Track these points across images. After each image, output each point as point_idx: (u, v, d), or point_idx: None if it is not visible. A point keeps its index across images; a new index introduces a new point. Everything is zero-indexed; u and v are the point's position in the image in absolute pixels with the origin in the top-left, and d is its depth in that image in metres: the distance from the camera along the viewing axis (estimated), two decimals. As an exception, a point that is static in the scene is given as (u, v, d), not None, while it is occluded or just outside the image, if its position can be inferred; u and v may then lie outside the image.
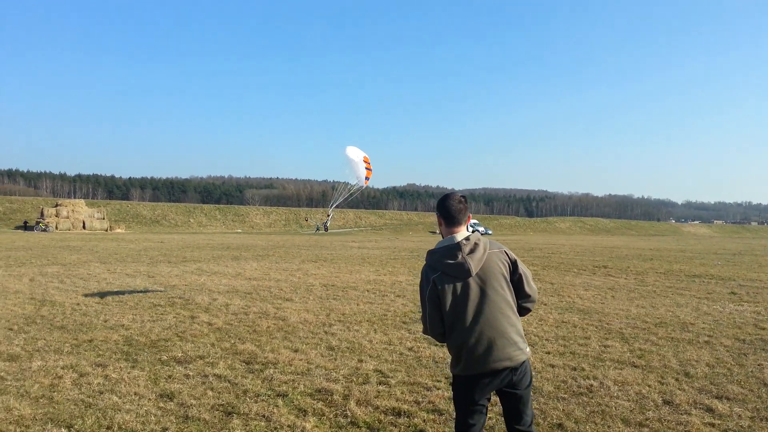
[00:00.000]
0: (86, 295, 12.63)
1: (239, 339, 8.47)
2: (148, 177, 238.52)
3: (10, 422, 4.82)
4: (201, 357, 7.29)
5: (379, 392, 5.94)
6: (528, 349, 3.50)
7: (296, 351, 7.76)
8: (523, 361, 3.45)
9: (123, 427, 4.77)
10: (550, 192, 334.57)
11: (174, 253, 27.81)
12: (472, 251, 3.38)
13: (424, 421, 5.13)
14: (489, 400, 3.53)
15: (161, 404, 5.40)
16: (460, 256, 3.35)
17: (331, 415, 5.21)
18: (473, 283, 3.36)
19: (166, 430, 4.74)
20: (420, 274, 3.51)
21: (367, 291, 14.54)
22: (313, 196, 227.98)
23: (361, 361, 7.31)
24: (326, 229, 12.61)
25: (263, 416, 5.13)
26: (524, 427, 3.52)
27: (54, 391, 5.71)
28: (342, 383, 6.25)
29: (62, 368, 6.57)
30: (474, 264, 3.35)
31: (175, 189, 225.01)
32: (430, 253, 3.49)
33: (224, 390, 5.92)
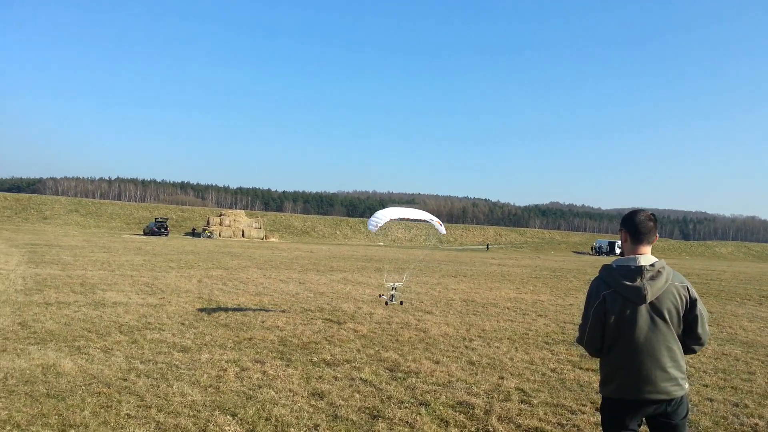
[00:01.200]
0: (246, 298, 13.74)
1: (383, 347, 8.76)
2: (300, 191, 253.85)
3: (184, 405, 5.41)
4: (348, 361, 7.64)
5: (521, 410, 5.86)
6: (687, 386, 3.29)
7: (437, 363, 7.86)
8: (678, 397, 3.24)
9: (279, 420, 5.15)
10: (709, 214, 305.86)
11: (322, 262, 29.29)
12: (653, 278, 3.19)
13: (569, 443, 4.98)
14: (640, 425, 3.35)
15: (313, 402, 5.76)
16: (638, 280, 3.18)
17: (473, 429, 5.24)
18: (644, 310, 3.19)
19: (318, 426, 5.05)
20: (589, 285, 3.37)
21: (508, 308, 14.32)
22: (453, 212, 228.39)
23: (502, 378, 7.25)
24: (392, 300, 12.35)
25: (407, 422, 5.28)
26: None
27: (220, 382, 6.31)
28: (483, 398, 6.24)
29: (226, 362, 7.23)
30: (652, 292, 3.17)
31: (324, 202, 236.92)
32: (607, 269, 3.32)
33: (370, 394, 6.17)
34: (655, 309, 3.19)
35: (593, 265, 42.57)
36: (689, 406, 3.49)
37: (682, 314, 3.24)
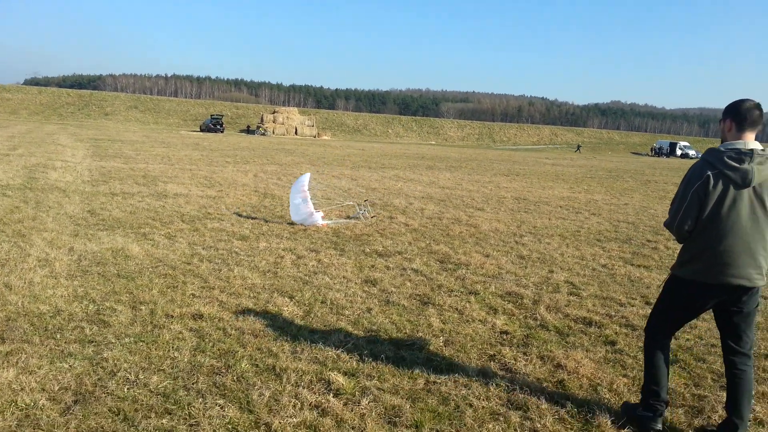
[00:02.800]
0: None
1: (434, 240, 8.88)
2: (352, 88, 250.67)
3: (245, 287, 5.70)
4: (399, 252, 7.81)
5: (569, 301, 5.93)
6: (765, 279, 3.27)
7: (487, 256, 7.95)
8: (755, 287, 3.25)
9: (334, 302, 5.38)
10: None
11: (374, 159, 29.37)
12: (761, 163, 3.13)
13: (616, 333, 5.04)
14: (700, 313, 3.48)
15: (366, 288, 5.97)
16: (747, 163, 3.12)
17: (521, 317, 5.35)
18: (747, 194, 3.16)
19: (371, 310, 5.25)
20: (690, 168, 3.32)
21: (560, 207, 14.18)
22: (508, 111, 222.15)
23: (551, 271, 7.29)
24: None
25: (456, 309, 5.43)
26: (743, 349, 3.34)
27: (277, 268, 6.59)
28: (532, 289, 6.33)
29: (283, 250, 7.51)
30: (759, 177, 3.12)
31: (376, 100, 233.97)
32: (713, 151, 3.25)
33: (420, 283, 6.34)
34: (758, 195, 3.16)
35: (652, 166, 41.24)
36: (760, 301, 3.49)
37: None
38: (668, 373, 3.50)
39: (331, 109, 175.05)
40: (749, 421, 3.43)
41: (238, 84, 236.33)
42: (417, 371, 3.95)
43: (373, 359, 4.10)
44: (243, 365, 3.86)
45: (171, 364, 3.83)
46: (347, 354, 4.18)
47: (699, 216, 3.22)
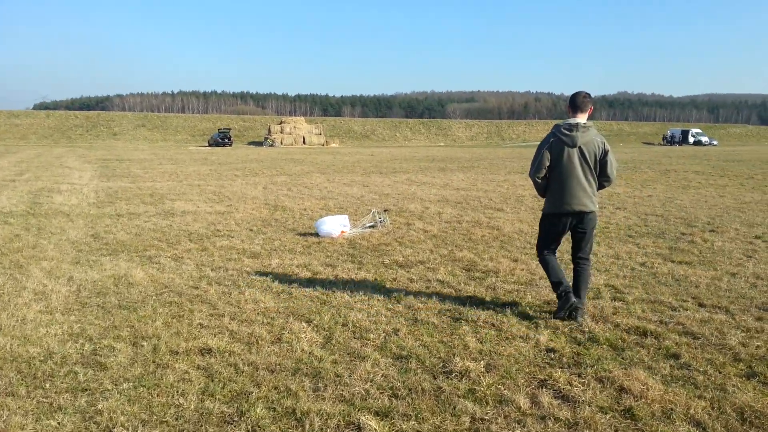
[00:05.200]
0: (311, 202, 13.53)
1: (456, 246, 8.34)
2: (357, 95, 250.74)
3: (258, 313, 5.18)
4: (421, 262, 7.27)
5: (615, 309, 5.35)
6: (596, 207, 5.01)
7: (516, 261, 7.39)
8: (593, 211, 4.96)
9: (357, 325, 4.85)
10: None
11: (384, 164, 28.86)
12: (583, 132, 4.81)
13: (676, 344, 4.46)
14: (564, 234, 5.15)
15: (389, 305, 5.43)
16: (574, 132, 4.80)
17: (566, 330, 4.78)
18: (575, 151, 4.81)
19: (397, 331, 4.71)
20: (543, 138, 4.99)
21: (584, 203, 13.57)
22: (514, 108, 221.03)
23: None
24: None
25: (492, 325, 4.87)
26: (584, 255, 5.19)
27: (292, 287, 6.07)
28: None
29: (297, 266, 6.99)
30: (580, 139, 4.79)
31: (382, 105, 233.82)
32: (556, 125, 4.94)
33: (448, 295, 5.79)
34: (582, 152, 4.81)
35: (666, 155, 40.38)
36: (596, 223, 5.20)
37: (598, 158, 4.88)
38: (559, 269, 5.20)
39: (338, 116, 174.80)
40: (586, 299, 5.25)
41: (244, 97, 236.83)
42: (460, 406, 3.40)
43: (407, 394, 3.56)
44: (258, 410, 3.33)
45: (175, 414, 3.31)
46: (377, 389, 3.64)
47: (547, 166, 4.89)
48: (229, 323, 4.88)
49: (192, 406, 3.39)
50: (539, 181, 4.95)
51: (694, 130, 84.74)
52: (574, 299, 4.93)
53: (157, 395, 3.52)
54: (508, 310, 5.25)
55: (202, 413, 3.32)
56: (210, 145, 66.25)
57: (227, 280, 6.38)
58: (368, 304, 5.46)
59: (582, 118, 4.84)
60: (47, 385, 3.65)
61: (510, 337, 4.60)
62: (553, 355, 4.22)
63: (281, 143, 73.28)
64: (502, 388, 3.66)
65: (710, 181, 19.08)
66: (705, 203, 13.47)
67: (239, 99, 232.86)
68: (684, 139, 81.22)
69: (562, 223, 4.99)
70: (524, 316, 5.12)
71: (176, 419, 3.26)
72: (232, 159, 34.02)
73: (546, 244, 5.23)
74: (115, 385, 3.67)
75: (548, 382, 3.76)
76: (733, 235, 9.23)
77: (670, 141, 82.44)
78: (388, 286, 6.14)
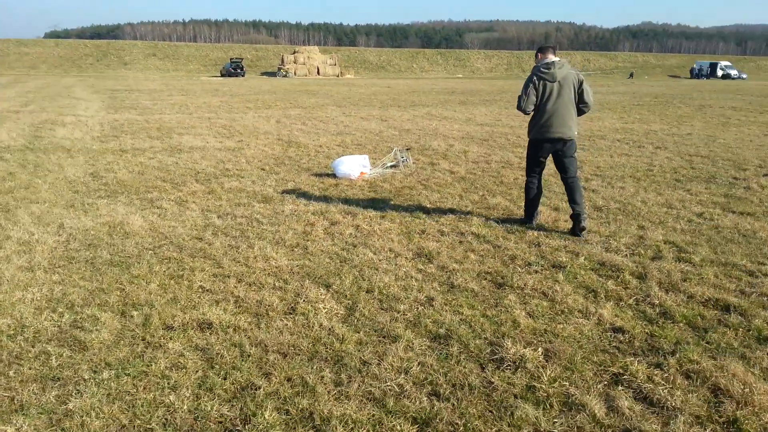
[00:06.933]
0: (327, 138, 12.67)
1: (488, 191, 7.55)
2: (373, 23, 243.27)
3: (269, 273, 4.48)
4: (451, 210, 6.50)
5: (684, 274, 4.58)
6: (576, 133, 5.61)
7: (556, 209, 6.60)
8: (572, 138, 5.58)
9: (384, 292, 4.13)
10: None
11: (402, 97, 27.62)
12: (559, 68, 5.43)
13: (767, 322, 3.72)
14: (546, 157, 5.76)
15: (420, 266, 4.70)
16: (552, 69, 5.41)
17: (632, 302, 4.03)
18: (556, 85, 5.41)
19: (432, 300, 4.00)
20: (527, 78, 5.57)
21: (618, 141, 12.62)
22: (535, 38, 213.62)
23: (642, 227, 5.92)
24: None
25: (544, 294, 4.13)
26: (570, 175, 5.65)
27: (308, 240, 5.35)
28: (628, 256, 4.99)
29: (313, 214, 6.26)
30: (558, 75, 5.40)
31: (398, 35, 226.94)
32: (535, 67, 5.57)
33: (487, 253, 5.04)
34: (561, 85, 5.43)
35: (697, 89, 38.52)
36: (576, 148, 5.74)
37: (576, 89, 5.50)
38: (539, 198, 5.98)
39: (353, 45, 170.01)
40: (584, 205, 5.70)
41: (256, 26, 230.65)
42: (519, 413, 2.70)
43: (451, 392, 2.87)
44: (267, 414, 2.66)
45: (163, 418, 2.65)
46: (413, 384, 2.95)
47: (535, 101, 5.49)
48: (235, 287, 4.19)
49: (185, 406, 2.72)
50: (529, 112, 5.60)
51: (723, 63, 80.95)
52: (535, 223, 5.96)
53: (143, 389, 2.86)
54: (560, 275, 4.50)
55: (198, 417, 2.66)
56: (222, 75, 64.61)
57: (235, 229, 5.67)
58: (395, 264, 4.73)
59: (554, 57, 5.50)
60: (12, 372, 3.01)
61: (566, 310, 3.87)
62: (622, 338, 3.49)
63: (295, 74, 71.34)
64: (569, 385, 2.95)
65: (750, 119, 17.86)
66: (750, 143, 12.44)
67: (251, 27, 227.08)
68: (712, 72, 77.80)
69: (545, 149, 5.64)
70: (579, 283, 4.38)
71: (164, 426, 2.60)
72: (244, 90, 32.86)
73: (532, 168, 5.86)
74: (94, 373, 3.00)
75: (623, 377, 3.04)
76: (792, 181, 8.33)
77: (698, 74, 79.13)
78: (416, 240, 5.40)
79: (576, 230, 5.57)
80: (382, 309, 3.86)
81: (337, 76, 73.50)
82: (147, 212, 6.27)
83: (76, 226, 5.66)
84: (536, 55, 5.66)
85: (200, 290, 4.13)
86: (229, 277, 4.39)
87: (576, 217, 5.56)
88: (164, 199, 6.91)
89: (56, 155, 9.90)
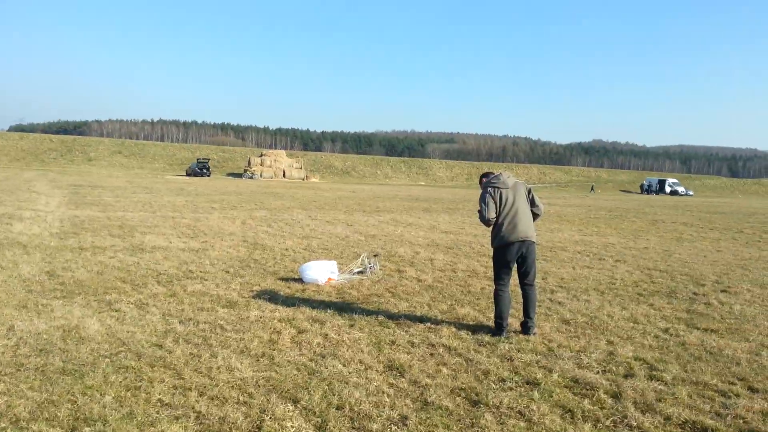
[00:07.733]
0: (293, 241, 12.62)
1: (456, 300, 7.52)
2: (339, 131, 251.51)
3: (233, 386, 4.25)
4: (420, 320, 6.42)
5: (658, 393, 4.53)
6: (535, 237, 6.02)
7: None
8: (534, 241, 5.97)
9: (355, 408, 3.93)
10: (760, 150, 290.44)
11: (367, 202, 28.09)
12: (508, 177, 6.03)
13: (745, 447, 3.65)
14: (514, 261, 5.96)
15: (391, 380, 4.54)
16: (501, 177, 5.99)
17: (609, 423, 3.93)
18: (510, 191, 5.91)
19: (405, 419, 3.82)
20: (482, 191, 6.04)
21: (579, 253, 12.91)
22: (493, 151, 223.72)
23: (610, 342, 5.92)
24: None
25: (520, 413, 4.00)
26: (529, 281, 6.06)
27: (274, 349, 5.15)
28: (601, 374, 4.93)
29: (279, 321, 6.08)
30: (509, 182, 5.97)
31: (362, 142, 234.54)
32: (486, 181, 6.11)
33: (460, 368, 4.92)
34: (514, 193, 5.93)
35: (649, 204, 40.37)
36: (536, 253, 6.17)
37: (527, 195, 6.02)
38: (509, 307, 6.05)
39: (318, 151, 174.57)
40: (535, 318, 6.17)
41: (224, 128, 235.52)
42: None
43: None
44: None
45: None
46: None
47: (496, 208, 5.85)
48: (197, 400, 3.94)
49: None
50: (492, 222, 5.89)
51: (671, 180, 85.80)
52: (505, 334, 5.90)
53: None
54: (535, 392, 4.39)
55: None
56: (188, 175, 65.06)
57: (197, 336, 5.44)
58: (366, 377, 4.56)
59: (498, 171, 6.35)
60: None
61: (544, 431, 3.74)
62: (603, 463, 3.37)
63: (261, 176, 72.33)
64: None
65: (701, 234, 18.63)
66: (705, 258, 12.88)
67: (219, 130, 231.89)
68: (661, 188, 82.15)
69: (512, 252, 5.86)
70: (554, 402, 4.27)
71: None
72: (209, 190, 32.98)
73: (500, 276, 6.02)
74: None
75: (610, 508, 2.89)
76: (748, 297, 8.55)
77: (647, 190, 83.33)
78: (386, 351, 5.26)
79: (526, 331, 6.02)
80: (353, 429, 3.66)
81: (303, 179, 74.79)
82: (105, 315, 5.99)
83: (27, 329, 5.34)
84: (480, 181, 6.21)
85: (159, 404, 3.87)
86: (190, 389, 4.14)
87: (525, 326, 6.03)
88: (123, 301, 6.65)
89: (11, 251, 9.56)
